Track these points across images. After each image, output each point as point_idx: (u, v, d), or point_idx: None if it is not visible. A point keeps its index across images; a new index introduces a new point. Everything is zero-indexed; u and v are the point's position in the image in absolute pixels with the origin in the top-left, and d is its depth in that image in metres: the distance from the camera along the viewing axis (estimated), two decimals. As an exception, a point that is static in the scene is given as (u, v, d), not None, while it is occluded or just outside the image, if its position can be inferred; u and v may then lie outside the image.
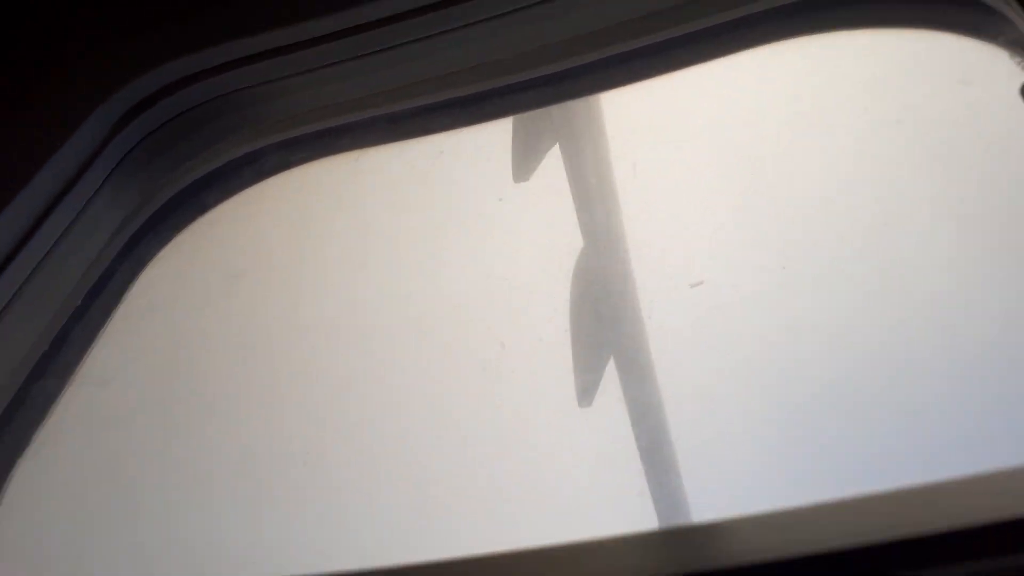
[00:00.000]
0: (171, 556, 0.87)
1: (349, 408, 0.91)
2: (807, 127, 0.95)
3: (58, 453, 0.94)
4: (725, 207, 0.91)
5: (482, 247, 0.99)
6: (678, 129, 0.99)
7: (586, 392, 0.86)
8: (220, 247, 1.07)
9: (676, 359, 0.86)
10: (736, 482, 0.77)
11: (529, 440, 0.85)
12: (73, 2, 1.11)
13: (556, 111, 1.09)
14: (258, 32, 1.06)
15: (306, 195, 1.09)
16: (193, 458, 0.91)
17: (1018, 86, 0.88)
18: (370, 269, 1.00)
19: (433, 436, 0.87)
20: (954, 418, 0.77)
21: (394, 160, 1.07)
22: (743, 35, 1.04)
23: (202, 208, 1.10)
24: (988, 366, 0.79)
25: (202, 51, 1.08)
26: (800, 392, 0.81)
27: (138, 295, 1.03)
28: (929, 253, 0.84)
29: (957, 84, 0.92)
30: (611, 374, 0.86)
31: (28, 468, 0.93)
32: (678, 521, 0.78)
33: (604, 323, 0.90)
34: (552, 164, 1.04)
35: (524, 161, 1.07)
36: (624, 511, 0.78)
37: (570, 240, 0.97)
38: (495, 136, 1.08)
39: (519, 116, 1.09)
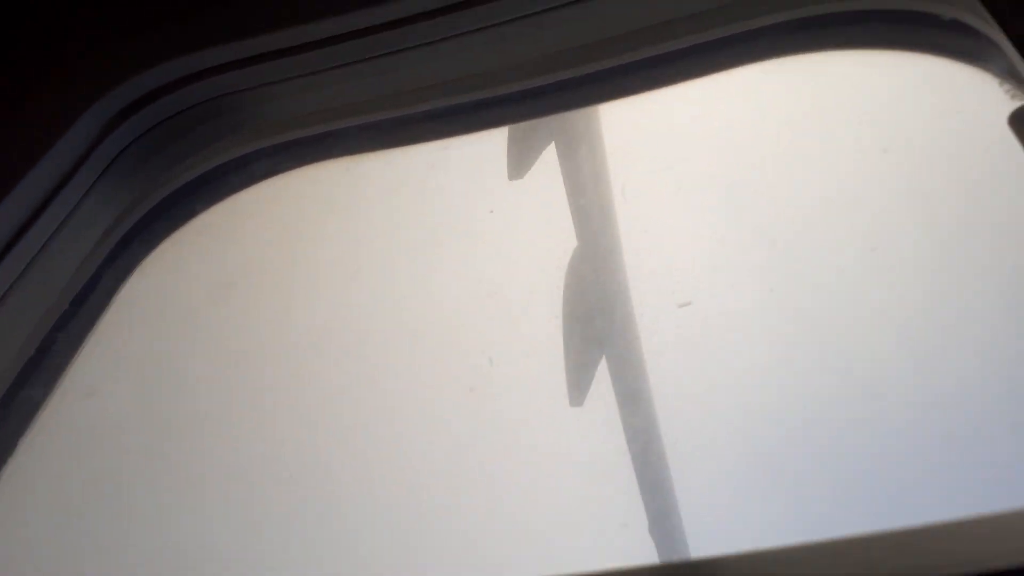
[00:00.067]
0: (157, 568, 0.86)
1: (338, 420, 0.91)
2: (796, 150, 0.96)
3: (42, 464, 0.93)
4: (713, 229, 0.91)
5: (472, 259, 0.99)
6: (667, 149, 1.00)
7: (578, 391, 0.86)
8: (209, 254, 1.06)
9: (667, 378, 0.86)
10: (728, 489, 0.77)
11: (520, 448, 0.85)
12: (66, 2, 1.09)
13: (552, 111, 1.09)
14: (253, 35, 1.05)
15: (296, 203, 1.08)
16: (181, 470, 0.91)
17: (1006, 115, 0.89)
18: (360, 280, 1.00)
19: (424, 445, 0.87)
20: (945, 444, 0.78)
21: (386, 171, 1.07)
22: (736, 52, 1.05)
23: (191, 213, 1.09)
24: (975, 390, 0.80)
25: (196, 53, 1.07)
26: (786, 414, 0.82)
27: (125, 302, 1.02)
28: (915, 281, 0.85)
29: (946, 111, 0.93)
30: (602, 374, 0.87)
31: (11, 479, 0.92)
32: (668, 526, 0.78)
33: (596, 321, 0.91)
34: (545, 168, 1.04)
35: (519, 159, 1.07)
36: (615, 517, 0.78)
37: (561, 250, 0.97)
38: (487, 147, 1.08)
39: (514, 117, 1.09)
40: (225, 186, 1.11)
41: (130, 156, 1.07)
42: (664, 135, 1.01)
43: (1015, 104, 0.92)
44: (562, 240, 0.98)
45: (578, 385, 0.88)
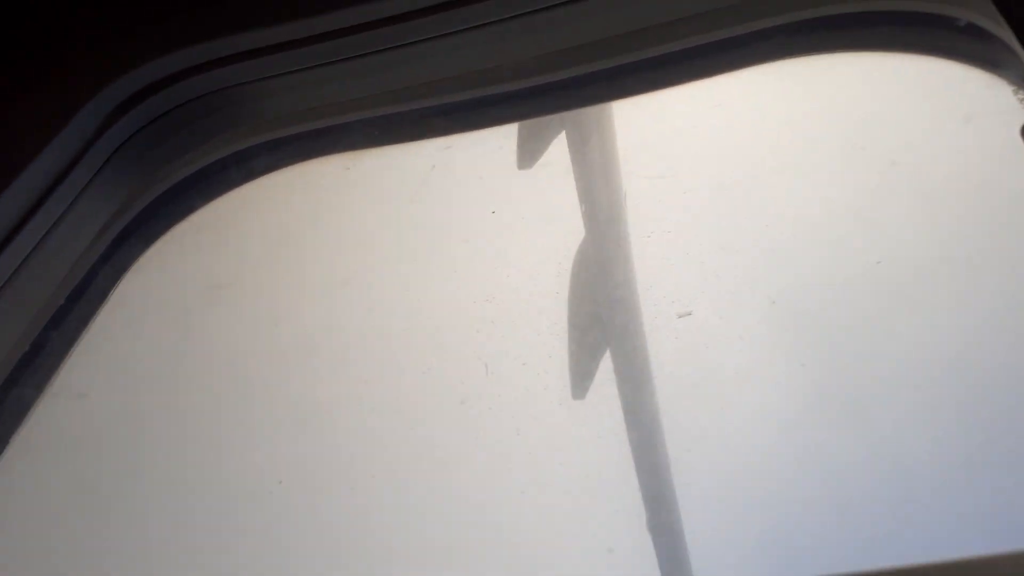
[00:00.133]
0: (147, 570, 0.86)
1: (330, 426, 0.90)
2: (803, 157, 0.94)
3: (32, 466, 0.93)
4: (716, 236, 0.90)
5: (472, 262, 0.98)
6: (671, 152, 0.98)
7: (581, 382, 0.85)
8: (204, 253, 1.05)
9: (667, 387, 0.85)
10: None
11: (516, 458, 0.84)
12: (61, -1, 1.08)
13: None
14: (253, 29, 1.04)
15: (294, 202, 1.07)
16: (171, 474, 0.91)
17: (1019, 125, 0.87)
18: (356, 283, 0.99)
19: (417, 453, 0.86)
20: (946, 454, 0.76)
21: (386, 171, 1.06)
22: (745, 53, 1.03)
23: (188, 209, 1.08)
24: (982, 404, 0.78)
25: (195, 47, 1.06)
26: (787, 425, 0.81)
27: (119, 301, 1.02)
28: (921, 295, 0.84)
29: (958, 119, 0.90)
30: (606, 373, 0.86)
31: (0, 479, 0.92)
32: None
33: (601, 310, 0.90)
34: (555, 158, 1.03)
35: (529, 148, 1.06)
36: (613, 534, 0.78)
37: (562, 254, 0.96)
38: (491, 146, 1.06)
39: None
40: (223, 182, 1.10)
41: (128, 151, 1.06)
42: (668, 138, 1.00)
43: (1029, 113, 0.90)
44: (565, 243, 0.96)
45: (581, 376, 0.87)
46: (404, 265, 0.99)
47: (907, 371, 0.81)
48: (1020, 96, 0.91)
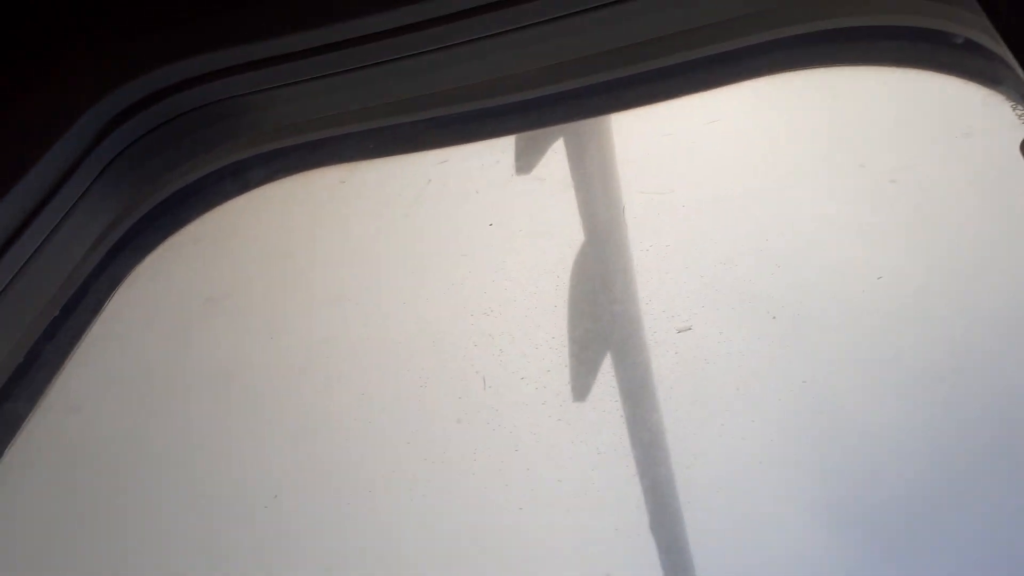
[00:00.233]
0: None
1: (324, 441, 0.89)
2: (803, 171, 0.94)
3: (24, 480, 0.92)
4: (716, 252, 0.90)
5: (468, 275, 0.97)
6: (669, 167, 0.98)
7: (581, 384, 0.85)
8: (199, 265, 1.04)
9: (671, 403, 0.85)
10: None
11: (511, 476, 0.83)
12: (64, 6, 1.08)
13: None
14: (253, 40, 1.04)
15: (290, 215, 1.06)
16: (164, 489, 0.90)
17: (1019, 141, 0.87)
18: (351, 297, 0.98)
19: (413, 469, 0.85)
20: (946, 467, 0.76)
21: (382, 184, 1.05)
22: (745, 66, 1.03)
23: (183, 221, 1.07)
24: (981, 422, 0.78)
25: (194, 57, 1.05)
26: (786, 438, 0.80)
27: (113, 314, 1.01)
28: (921, 310, 0.83)
29: (957, 135, 0.90)
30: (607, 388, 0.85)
31: (-9, 493, 0.91)
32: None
33: (601, 325, 0.89)
34: (553, 164, 1.02)
35: (527, 153, 1.05)
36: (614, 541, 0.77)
37: (561, 268, 0.95)
38: (487, 159, 1.06)
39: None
40: (219, 194, 1.09)
41: (124, 162, 1.05)
42: (668, 151, 0.99)
43: (1028, 129, 0.90)
44: (563, 256, 0.96)
45: (580, 391, 0.86)
46: (401, 278, 0.98)
47: (908, 387, 0.81)
48: (1019, 112, 0.91)
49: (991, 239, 0.85)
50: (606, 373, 0.87)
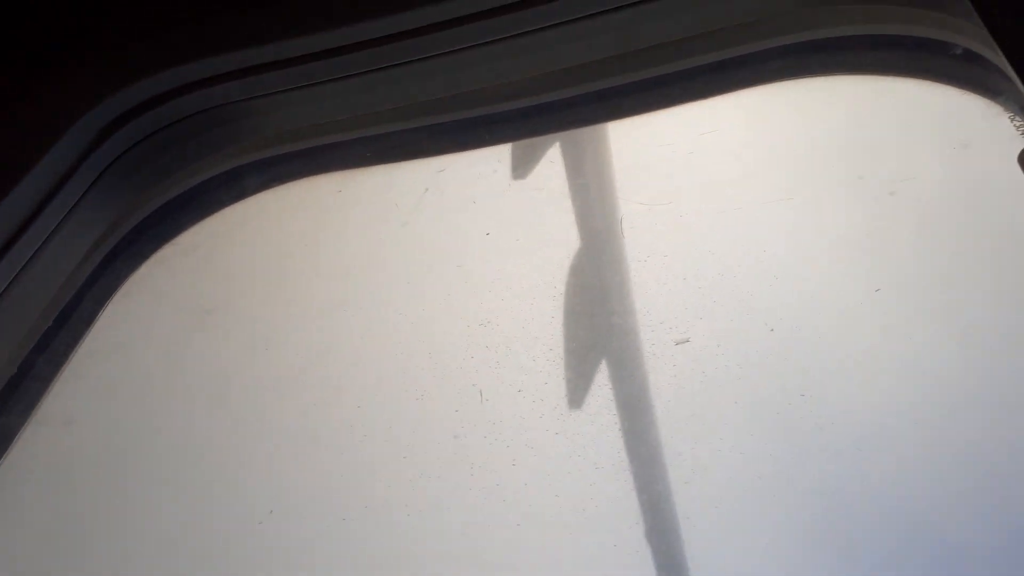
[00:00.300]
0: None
1: (320, 454, 0.89)
2: (801, 181, 0.93)
3: (15, 496, 0.91)
4: (713, 263, 0.89)
5: (465, 285, 0.97)
6: (666, 176, 0.97)
7: (578, 401, 0.84)
8: (193, 276, 1.04)
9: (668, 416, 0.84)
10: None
11: (508, 491, 0.83)
12: (60, 13, 1.07)
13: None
14: (249, 46, 1.03)
15: (285, 224, 1.06)
16: (157, 504, 0.89)
17: (1017, 152, 0.87)
18: (346, 310, 0.98)
19: (409, 487, 0.84)
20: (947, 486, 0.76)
21: (379, 193, 1.05)
22: (744, 74, 1.03)
23: (177, 229, 1.07)
24: (981, 436, 0.78)
25: (191, 63, 1.04)
26: (786, 453, 0.80)
27: (105, 326, 1.00)
28: (919, 323, 0.83)
29: (956, 146, 0.90)
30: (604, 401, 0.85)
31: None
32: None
33: (598, 337, 0.89)
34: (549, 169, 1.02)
35: (524, 158, 1.05)
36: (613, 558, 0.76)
37: (558, 277, 0.95)
38: (485, 167, 1.05)
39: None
40: (214, 201, 1.08)
41: (121, 167, 1.04)
42: (665, 162, 0.99)
43: (1026, 141, 0.90)
44: (560, 266, 0.96)
45: (577, 404, 0.86)
46: (398, 289, 0.98)
47: (907, 399, 0.80)
48: (1017, 123, 0.91)
49: (990, 251, 0.85)
50: (604, 386, 0.86)
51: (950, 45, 0.95)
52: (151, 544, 0.87)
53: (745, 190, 0.93)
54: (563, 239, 0.98)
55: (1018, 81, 0.87)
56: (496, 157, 1.05)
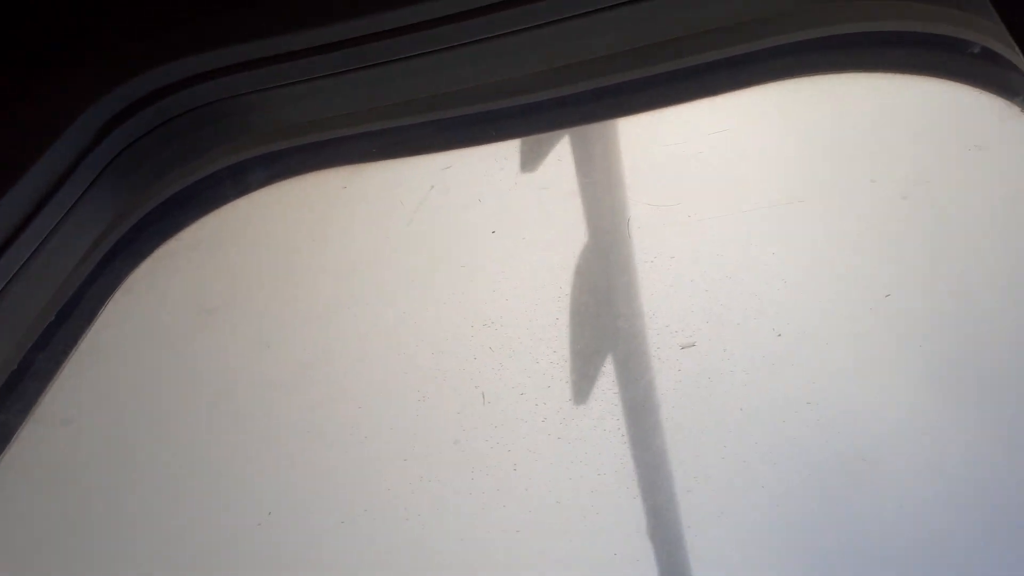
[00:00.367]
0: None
1: (321, 456, 0.88)
2: (812, 182, 0.92)
3: (13, 496, 0.91)
4: (721, 266, 0.88)
5: (470, 285, 0.96)
6: (675, 176, 0.96)
7: (579, 398, 0.83)
8: (195, 273, 1.03)
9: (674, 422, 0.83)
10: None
11: (510, 497, 0.82)
12: (58, 6, 1.06)
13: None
14: (255, 38, 1.02)
15: (289, 221, 1.05)
16: (156, 505, 0.88)
17: (1034, 154, 0.85)
18: (350, 309, 0.97)
19: (412, 487, 0.83)
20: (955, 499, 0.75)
21: (384, 190, 1.04)
22: (756, 70, 1.01)
23: (179, 225, 1.06)
24: (993, 443, 0.76)
25: (190, 58, 1.04)
26: (792, 463, 0.79)
27: (106, 324, 0.99)
28: (930, 329, 0.81)
29: (971, 148, 0.88)
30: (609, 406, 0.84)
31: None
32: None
33: (604, 340, 0.88)
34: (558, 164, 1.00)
35: (532, 158, 1.04)
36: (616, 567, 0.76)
37: (563, 278, 0.94)
38: (491, 163, 1.04)
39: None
40: (217, 197, 1.08)
41: (120, 165, 1.04)
42: (674, 162, 0.97)
43: (1044, 143, 0.88)
44: (566, 266, 0.94)
45: (583, 395, 0.85)
46: (401, 288, 0.97)
47: (917, 406, 0.79)
48: (1034, 124, 0.89)
49: (1004, 256, 0.83)
50: (608, 389, 0.85)
51: (967, 43, 0.93)
52: (150, 544, 0.87)
53: (755, 191, 0.92)
54: (570, 238, 0.97)
55: (1034, 77, 0.85)
56: (503, 154, 1.04)
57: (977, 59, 0.92)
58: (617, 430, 0.82)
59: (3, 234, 0.93)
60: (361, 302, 0.97)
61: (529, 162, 1.05)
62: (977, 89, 0.93)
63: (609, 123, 1.06)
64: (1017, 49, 0.84)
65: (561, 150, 1.05)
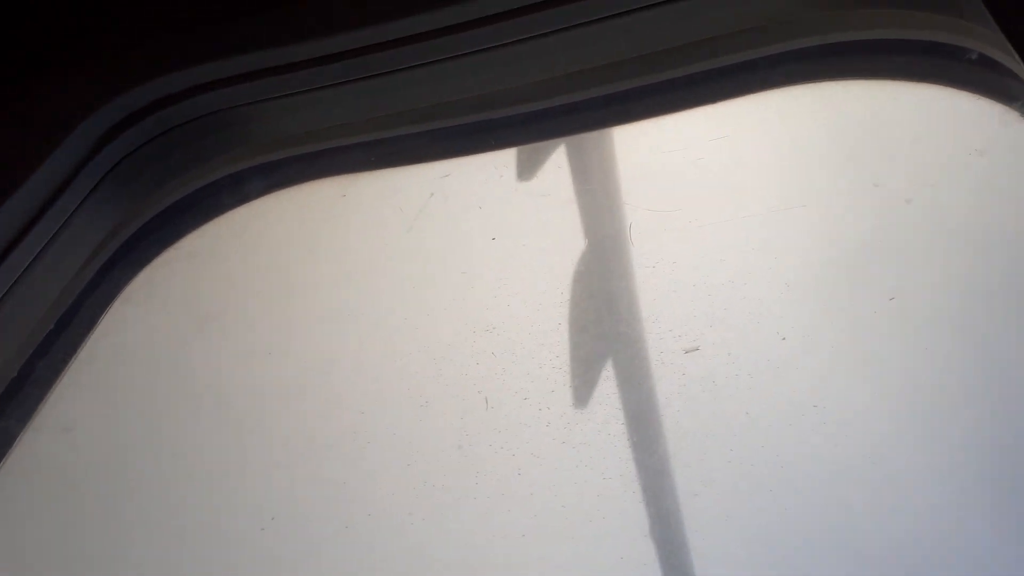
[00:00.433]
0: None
1: (323, 463, 0.87)
2: (813, 188, 0.92)
3: (13, 504, 0.90)
4: (723, 271, 0.88)
5: (471, 292, 0.96)
6: (676, 182, 0.96)
7: (582, 403, 0.83)
8: (194, 281, 1.02)
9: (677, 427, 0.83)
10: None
11: (514, 501, 0.81)
12: (62, 16, 1.06)
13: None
14: (253, 50, 1.02)
15: (287, 230, 1.05)
16: (157, 512, 0.88)
17: (1034, 158, 0.85)
18: (350, 317, 0.96)
19: (412, 497, 0.83)
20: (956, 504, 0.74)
21: (383, 198, 1.03)
22: (755, 79, 1.01)
23: (178, 234, 1.06)
24: (995, 448, 0.76)
25: (190, 68, 1.04)
26: (796, 470, 0.78)
27: (106, 332, 0.99)
28: (934, 332, 0.81)
29: (972, 153, 0.88)
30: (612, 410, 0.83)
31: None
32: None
33: (605, 345, 0.87)
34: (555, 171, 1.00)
35: (530, 167, 1.04)
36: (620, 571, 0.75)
37: (563, 283, 0.93)
38: (490, 172, 1.04)
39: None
40: (216, 206, 1.07)
41: (119, 174, 1.03)
42: (674, 167, 0.97)
43: (1043, 148, 0.88)
44: (567, 271, 0.94)
45: (585, 400, 0.85)
46: (402, 295, 0.96)
47: (920, 410, 0.79)
48: (1033, 130, 0.89)
49: (1007, 259, 0.83)
50: (611, 394, 0.85)
51: (966, 50, 0.93)
52: (151, 552, 0.86)
53: (756, 196, 0.92)
54: (570, 245, 0.96)
55: (1033, 83, 0.85)
56: (502, 162, 1.04)
57: (975, 66, 0.93)
58: (621, 434, 0.82)
59: (3, 241, 0.92)
60: (361, 309, 0.97)
61: (528, 170, 1.05)
62: (976, 95, 0.93)
63: (608, 131, 1.06)
64: (1015, 56, 0.85)
65: (560, 158, 1.05)
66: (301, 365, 0.94)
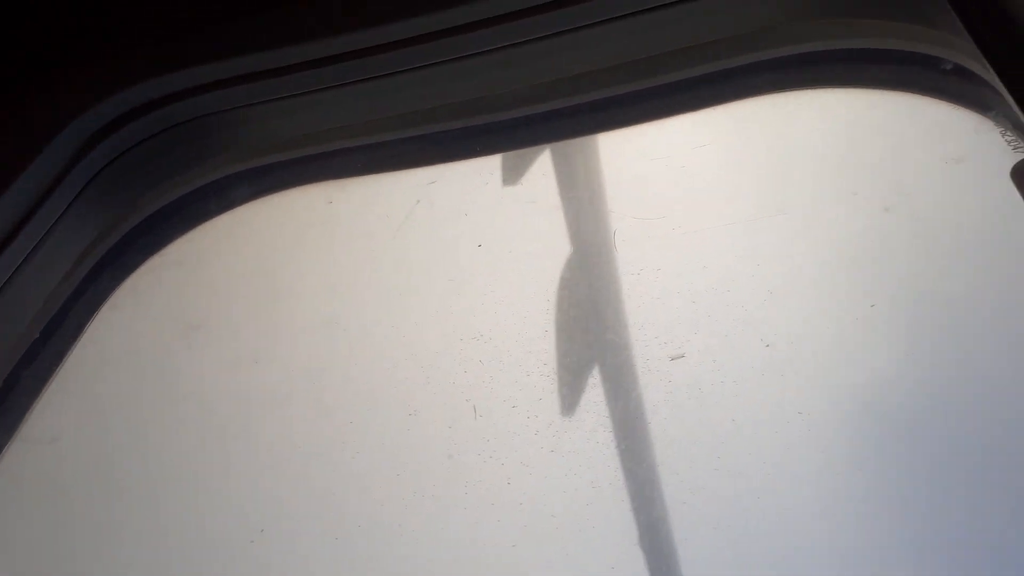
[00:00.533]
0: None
1: (311, 473, 0.87)
2: (794, 196, 0.93)
3: (1, 513, 0.89)
4: (707, 278, 0.89)
5: (457, 299, 0.96)
6: (659, 191, 0.97)
7: (570, 411, 0.84)
8: (180, 290, 1.02)
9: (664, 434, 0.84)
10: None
11: (503, 510, 0.82)
12: (46, 20, 1.05)
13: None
14: (235, 56, 1.02)
15: (273, 237, 1.04)
16: (144, 524, 0.87)
17: (1009, 166, 0.87)
18: (336, 325, 0.96)
19: (401, 506, 0.83)
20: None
21: (369, 205, 1.03)
22: (734, 87, 1.02)
23: (163, 241, 1.05)
24: (982, 454, 0.78)
25: (174, 73, 1.03)
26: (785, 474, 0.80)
27: (91, 341, 0.98)
28: (914, 339, 0.83)
29: (949, 162, 0.90)
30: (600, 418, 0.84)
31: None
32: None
33: (592, 352, 0.88)
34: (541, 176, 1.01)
35: (516, 172, 1.04)
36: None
37: (549, 289, 0.94)
38: (476, 179, 1.05)
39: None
40: (202, 212, 1.07)
41: (103, 181, 1.02)
42: (657, 176, 0.98)
43: (1018, 156, 0.90)
44: (554, 278, 0.95)
45: (573, 407, 0.85)
46: (388, 302, 0.97)
47: (904, 416, 0.80)
48: (1008, 138, 0.91)
49: (985, 266, 0.85)
50: (598, 402, 0.85)
51: (942, 60, 0.95)
52: (139, 563, 0.86)
53: (739, 204, 0.93)
54: (556, 252, 0.97)
55: (1008, 96, 0.87)
56: (488, 169, 1.04)
57: (951, 75, 0.94)
58: (609, 442, 0.83)
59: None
60: (348, 317, 0.97)
61: (513, 176, 1.05)
62: (952, 105, 0.95)
63: (593, 138, 1.07)
64: (988, 66, 0.86)
65: (545, 165, 1.05)
66: (288, 373, 0.94)
